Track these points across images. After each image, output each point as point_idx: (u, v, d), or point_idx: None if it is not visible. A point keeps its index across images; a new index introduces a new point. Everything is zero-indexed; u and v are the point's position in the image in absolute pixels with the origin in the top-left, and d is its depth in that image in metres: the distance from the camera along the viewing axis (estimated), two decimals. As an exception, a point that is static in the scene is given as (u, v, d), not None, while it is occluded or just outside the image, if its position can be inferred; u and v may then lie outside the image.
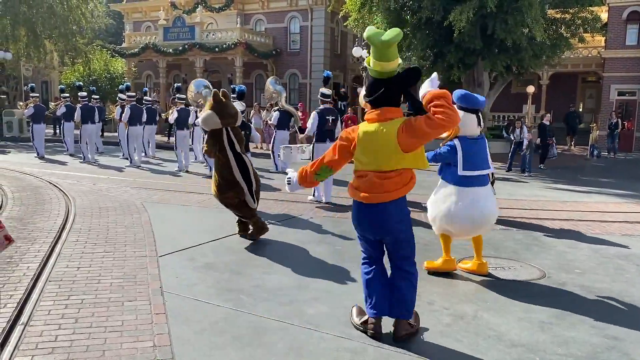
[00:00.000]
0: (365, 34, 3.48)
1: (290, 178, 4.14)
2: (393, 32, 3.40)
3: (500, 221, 7.72)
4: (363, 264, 3.91)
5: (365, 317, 3.80)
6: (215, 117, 6.15)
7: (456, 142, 4.99)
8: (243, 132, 8.22)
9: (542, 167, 15.61)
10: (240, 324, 3.88)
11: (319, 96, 9.08)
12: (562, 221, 7.89)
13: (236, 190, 6.21)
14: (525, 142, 14.32)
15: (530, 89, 15.96)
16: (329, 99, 8.94)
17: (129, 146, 14.22)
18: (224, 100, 6.28)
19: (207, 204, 8.42)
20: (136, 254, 5.58)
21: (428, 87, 3.76)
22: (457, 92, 4.99)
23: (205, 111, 6.37)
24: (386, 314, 3.72)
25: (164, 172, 12.85)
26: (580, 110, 21.82)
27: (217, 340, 3.62)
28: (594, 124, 21.04)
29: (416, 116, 3.49)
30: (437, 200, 5.16)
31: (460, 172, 4.96)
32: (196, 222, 7.25)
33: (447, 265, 5.28)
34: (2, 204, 8.01)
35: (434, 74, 4.00)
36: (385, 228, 3.63)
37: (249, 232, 6.45)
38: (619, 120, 20.79)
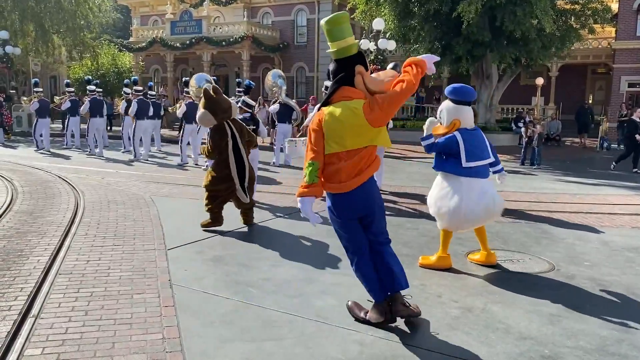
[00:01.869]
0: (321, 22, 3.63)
1: (302, 204, 3.68)
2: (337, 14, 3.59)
3: (510, 213, 7.69)
4: (356, 257, 3.80)
5: (366, 310, 3.84)
6: (209, 115, 6.19)
7: (457, 134, 4.95)
8: (253, 128, 8.26)
9: (636, 171, 13.30)
10: (249, 317, 3.90)
11: (322, 89, 9.04)
12: (572, 214, 7.85)
13: (228, 183, 6.27)
14: (535, 136, 14.20)
15: (539, 80, 15.89)
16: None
17: (135, 140, 14.24)
18: (214, 96, 6.28)
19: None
20: (145, 247, 5.61)
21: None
22: (447, 88, 5.09)
23: (200, 110, 6.41)
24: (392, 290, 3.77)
25: (172, 165, 12.89)
26: (590, 102, 21.51)
27: (225, 333, 3.64)
28: (604, 116, 20.86)
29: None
30: (443, 195, 5.05)
31: (465, 164, 4.92)
32: (204, 216, 7.25)
33: (442, 262, 5.17)
34: (12, 198, 8.07)
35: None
36: (371, 206, 3.69)
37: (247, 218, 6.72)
38: (629, 112, 20.59)
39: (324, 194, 3.79)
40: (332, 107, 3.57)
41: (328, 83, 8.94)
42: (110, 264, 5.03)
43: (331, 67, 3.70)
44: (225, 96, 6.61)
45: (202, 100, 6.37)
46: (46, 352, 3.30)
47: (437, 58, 3.96)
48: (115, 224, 6.59)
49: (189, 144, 13.34)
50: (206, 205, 6.51)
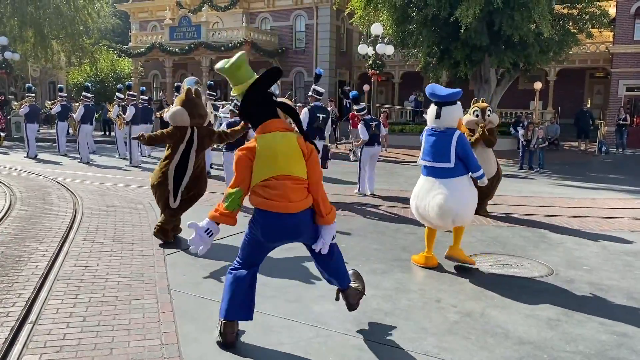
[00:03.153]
0: (217, 67, 3.68)
1: (193, 228, 3.53)
2: (233, 59, 3.60)
3: (508, 218, 7.70)
4: (242, 270, 3.62)
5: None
6: (186, 115, 5.88)
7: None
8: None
9: None
10: (247, 322, 3.88)
11: (311, 93, 9.08)
12: (570, 218, 7.85)
13: (164, 186, 5.97)
14: (534, 140, 14.21)
15: (538, 85, 15.92)
16: (321, 96, 9.04)
17: (131, 145, 14.21)
18: (195, 98, 6.09)
19: (213, 202, 8.41)
20: (143, 252, 5.60)
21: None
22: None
23: (175, 106, 6.08)
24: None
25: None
26: (589, 106, 21.52)
27: (224, 338, 3.62)
28: (602, 120, 20.89)
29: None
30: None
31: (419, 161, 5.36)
32: (202, 220, 7.25)
33: (427, 262, 5.34)
34: (11, 203, 8.06)
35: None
36: (304, 234, 3.58)
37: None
38: (628, 116, 20.64)
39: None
40: (264, 137, 3.46)
41: (316, 87, 9.10)
42: (109, 269, 5.02)
43: (239, 102, 3.64)
44: (203, 104, 6.40)
45: (180, 98, 6.10)
46: (44, 359, 3.29)
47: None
48: (113, 229, 6.58)
49: None
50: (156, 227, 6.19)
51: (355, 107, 10.04)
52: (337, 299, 3.90)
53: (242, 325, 3.82)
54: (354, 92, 10.62)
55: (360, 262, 5.39)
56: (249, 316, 3.58)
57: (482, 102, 7.77)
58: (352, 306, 3.85)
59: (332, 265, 3.74)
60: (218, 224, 3.50)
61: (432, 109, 5.26)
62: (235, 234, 6.48)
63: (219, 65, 3.67)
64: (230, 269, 3.64)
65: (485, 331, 3.81)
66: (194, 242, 3.48)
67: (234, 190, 3.45)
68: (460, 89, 5.34)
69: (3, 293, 4.34)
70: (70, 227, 6.59)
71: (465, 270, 5.25)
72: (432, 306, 4.27)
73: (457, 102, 5.26)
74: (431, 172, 5.21)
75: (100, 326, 3.75)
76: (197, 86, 9.38)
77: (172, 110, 6.04)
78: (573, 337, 3.73)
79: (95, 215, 7.36)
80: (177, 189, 5.98)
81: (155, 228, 6.11)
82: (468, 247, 5.93)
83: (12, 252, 5.51)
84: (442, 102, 5.18)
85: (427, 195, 5.17)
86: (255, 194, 3.47)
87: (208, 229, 3.49)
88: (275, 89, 13.62)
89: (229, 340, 3.51)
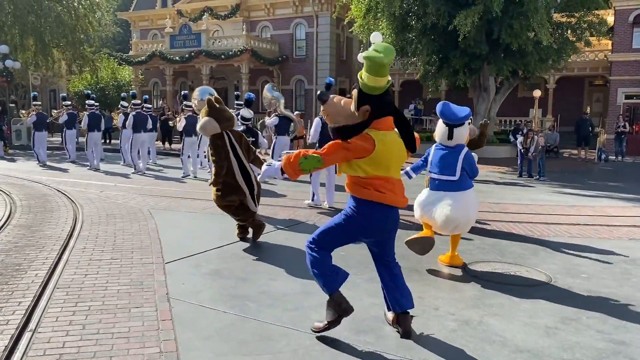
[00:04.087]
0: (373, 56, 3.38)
1: (270, 164, 3.76)
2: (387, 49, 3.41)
3: (507, 226, 7.71)
4: (327, 252, 3.82)
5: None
6: (214, 122, 6.21)
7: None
8: (251, 140, 8.30)
9: None
10: (246, 330, 3.90)
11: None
12: (569, 225, 7.86)
13: (238, 194, 6.29)
14: (532, 147, 14.23)
15: (537, 93, 15.95)
16: None
17: (133, 153, 14.31)
18: (218, 105, 6.36)
19: (213, 210, 8.43)
20: (143, 260, 5.61)
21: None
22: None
23: (203, 118, 6.41)
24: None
25: (171, 179, 12.92)
26: (588, 113, 21.60)
27: (223, 347, 3.64)
28: (602, 128, 20.94)
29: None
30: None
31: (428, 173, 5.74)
32: (202, 229, 7.28)
33: (425, 234, 5.63)
34: (11, 211, 8.08)
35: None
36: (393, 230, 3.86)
37: (249, 234, 6.62)
38: (627, 124, 20.69)
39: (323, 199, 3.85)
40: (382, 133, 3.51)
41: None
42: (108, 277, 5.03)
43: (357, 93, 3.49)
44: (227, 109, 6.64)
45: (205, 109, 6.39)
46: (43, 367, 3.30)
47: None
48: (113, 237, 6.60)
49: (189, 157, 13.41)
50: (236, 225, 6.71)
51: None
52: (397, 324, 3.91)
53: (239, 334, 3.84)
54: (330, 78, 9.97)
55: (360, 270, 5.41)
56: (345, 278, 3.81)
57: None
58: (405, 333, 3.85)
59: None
60: (284, 172, 3.63)
61: (444, 129, 5.49)
62: (235, 242, 6.52)
63: (370, 53, 3.38)
64: (312, 252, 3.78)
65: (483, 339, 3.82)
66: (269, 172, 3.72)
67: (318, 157, 3.52)
68: (469, 108, 5.62)
69: (3, 301, 4.36)
70: (70, 236, 6.61)
71: (463, 278, 5.26)
72: (430, 314, 4.28)
73: (466, 122, 5.53)
74: (440, 185, 5.52)
75: (100, 334, 3.77)
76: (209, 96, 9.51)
77: (201, 123, 6.36)
78: (570, 345, 3.74)
79: (95, 223, 7.38)
80: (253, 193, 6.41)
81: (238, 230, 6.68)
82: (467, 255, 5.96)
83: (12, 260, 5.53)
84: (453, 125, 5.44)
85: (434, 205, 5.47)
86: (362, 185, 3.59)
87: (278, 171, 3.67)
88: (280, 97, 13.70)
89: (348, 307, 3.72)
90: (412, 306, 3.87)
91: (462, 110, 5.45)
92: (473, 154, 5.82)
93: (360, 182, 3.59)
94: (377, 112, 3.49)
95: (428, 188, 5.77)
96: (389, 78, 3.49)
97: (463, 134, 5.51)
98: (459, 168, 5.44)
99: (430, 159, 5.66)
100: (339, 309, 3.71)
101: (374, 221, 3.66)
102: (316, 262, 3.73)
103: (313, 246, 3.78)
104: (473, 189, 5.63)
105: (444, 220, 5.34)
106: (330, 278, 3.73)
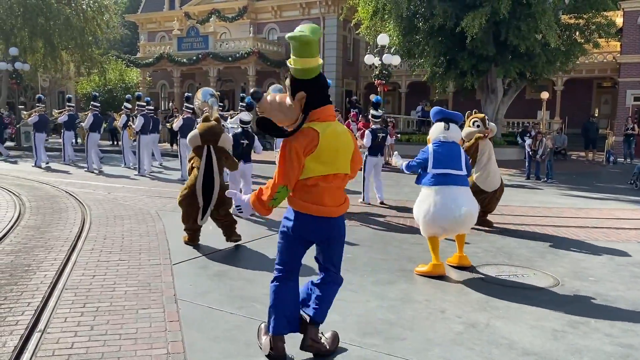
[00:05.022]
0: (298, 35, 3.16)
1: (239, 204, 3.51)
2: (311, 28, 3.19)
3: (514, 228, 7.69)
4: (283, 278, 3.52)
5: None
6: (198, 138, 6.40)
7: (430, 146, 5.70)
8: (246, 142, 8.39)
9: None
10: (253, 332, 3.91)
11: (370, 117, 10.32)
12: (577, 228, 7.83)
13: (194, 202, 6.35)
14: (541, 150, 14.16)
15: (545, 95, 15.91)
16: (379, 119, 9.99)
17: (140, 154, 14.32)
18: (212, 123, 6.52)
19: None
20: (151, 262, 5.64)
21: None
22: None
23: (195, 131, 6.59)
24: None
25: (178, 180, 12.96)
26: (596, 115, 21.47)
27: (229, 348, 3.66)
28: (610, 130, 20.82)
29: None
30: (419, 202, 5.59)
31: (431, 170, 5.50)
32: (209, 230, 7.30)
33: (436, 270, 5.36)
34: (20, 213, 8.14)
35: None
36: (335, 235, 3.52)
37: (229, 236, 6.54)
38: (635, 126, 20.56)
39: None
40: (325, 124, 3.28)
41: (373, 112, 10.06)
42: (116, 278, 5.06)
43: (289, 82, 3.29)
44: (220, 126, 6.69)
45: (201, 122, 6.64)
46: (52, 367, 3.33)
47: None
48: (121, 238, 6.64)
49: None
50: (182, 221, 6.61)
51: (372, 112, 10.12)
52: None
53: (246, 336, 3.85)
54: (378, 97, 10.80)
55: (366, 272, 5.41)
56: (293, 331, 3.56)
57: (475, 113, 7.84)
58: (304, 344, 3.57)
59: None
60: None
61: (439, 124, 5.66)
62: (243, 244, 6.53)
63: (293, 33, 3.16)
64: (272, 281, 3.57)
65: (490, 342, 3.82)
66: (246, 210, 3.47)
67: (278, 187, 3.26)
68: (461, 115, 5.93)
69: (13, 302, 4.40)
70: (79, 237, 6.65)
71: (470, 281, 5.25)
72: (437, 317, 4.28)
73: (452, 124, 5.67)
74: (447, 179, 5.37)
75: (108, 335, 3.79)
76: (213, 98, 9.60)
77: (189, 136, 6.59)
78: (578, 349, 3.73)
79: (103, 224, 7.42)
80: (206, 208, 6.44)
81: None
82: (474, 258, 5.95)
83: (22, 261, 5.57)
84: (449, 119, 5.65)
85: (453, 203, 5.25)
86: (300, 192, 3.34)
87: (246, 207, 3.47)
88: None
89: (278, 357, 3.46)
90: (320, 320, 3.56)
91: (456, 114, 5.81)
92: None
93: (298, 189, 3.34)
94: (314, 98, 3.23)
95: (426, 191, 5.50)
96: (320, 61, 3.25)
97: (458, 130, 5.73)
98: (464, 162, 5.52)
99: (430, 158, 5.50)
100: (271, 352, 3.47)
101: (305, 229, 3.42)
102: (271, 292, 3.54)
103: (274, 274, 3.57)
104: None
105: (469, 220, 5.34)
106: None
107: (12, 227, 7.16)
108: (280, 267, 3.53)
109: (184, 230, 6.56)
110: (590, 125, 19.90)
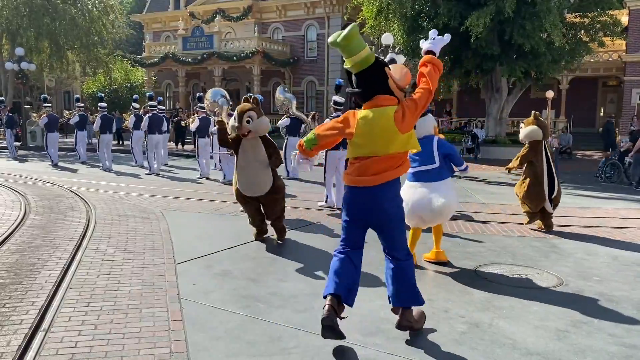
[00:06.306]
0: (330, 41, 3.74)
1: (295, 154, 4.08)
2: (346, 31, 3.65)
3: (519, 227, 7.67)
4: (340, 249, 3.95)
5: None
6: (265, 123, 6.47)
7: None
8: None
9: None
10: (256, 331, 3.92)
11: (331, 104, 9.13)
12: (582, 227, 7.80)
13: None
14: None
15: (550, 94, 15.81)
16: (342, 107, 8.83)
17: (149, 154, 14.45)
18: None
19: (225, 211, 8.51)
20: (154, 261, 5.66)
21: (427, 46, 4.24)
22: None
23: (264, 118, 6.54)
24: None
25: (183, 179, 13.01)
26: (601, 114, 21.39)
27: (233, 347, 3.67)
28: (616, 129, 20.72)
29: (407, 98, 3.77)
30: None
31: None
32: (213, 230, 7.32)
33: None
34: (25, 212, 8.19)
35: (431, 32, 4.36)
36: (375, 210, 3.73)
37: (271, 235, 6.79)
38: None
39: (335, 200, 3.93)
40: (367, 111, 3.70)
41: (336, 98, 9.05)
42: (120, 278, 5.08)
43: (354, 79, 3.77)
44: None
45: (258, 109, 6.46)
46: (56, 366, 3.35)
47: (447, 39, 4.29)
48: (125, 238, 6.66)
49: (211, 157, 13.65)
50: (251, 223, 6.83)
51: (334, 98, 9.10)
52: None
53: (249, 335, 3.86)
54: (339, 79, 9.96)
55: (370, 270, 5.40)
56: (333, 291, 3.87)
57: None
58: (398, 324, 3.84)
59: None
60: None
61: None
62: (246, 243, 6.55)
63: (331, 39, 3.75)
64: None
65: (493, 342, 3.81)
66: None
67: (312, 133, 3.90)
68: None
69: (17, 300, 4.42)
70: (83, 236, 6.69)
71: (474, 281, 5.24)
72: (440, 316, 4.27)
73: (428, 114, 5.64)
74: (419, 176, 5.51)
75: (112, 334, 3.81)
76: (222, 99, 9.60)
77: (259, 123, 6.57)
78: (582, 348, 3.72)
79: (108, 224, 7.45)
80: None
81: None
82: (478, 257, 5.94)
83: (27, 260, 5.61)
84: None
85: (422, 199, 5.39)
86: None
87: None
88: (292, 98, 13.82)
89: (324, 318, 3.63)
90: (411, 304, 3.83)
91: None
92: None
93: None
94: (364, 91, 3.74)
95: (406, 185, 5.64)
96: (360, 57, 3.63)
97: (427, 124, 5.63)
98: (436, 155, 5.52)
99: None
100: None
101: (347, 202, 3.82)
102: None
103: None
104: (451, 179, 5.72)
105: (442, 211, 5.39)
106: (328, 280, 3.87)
107: (17, 226, 7.20)
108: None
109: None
110: (611, 126, 19.83)
